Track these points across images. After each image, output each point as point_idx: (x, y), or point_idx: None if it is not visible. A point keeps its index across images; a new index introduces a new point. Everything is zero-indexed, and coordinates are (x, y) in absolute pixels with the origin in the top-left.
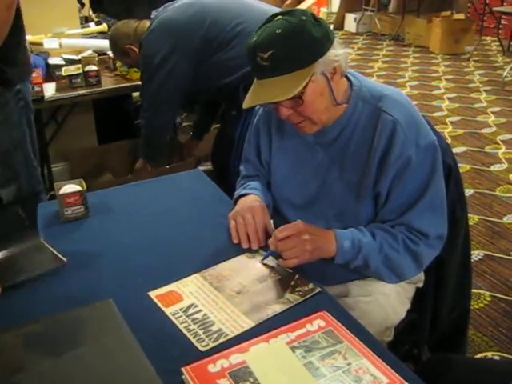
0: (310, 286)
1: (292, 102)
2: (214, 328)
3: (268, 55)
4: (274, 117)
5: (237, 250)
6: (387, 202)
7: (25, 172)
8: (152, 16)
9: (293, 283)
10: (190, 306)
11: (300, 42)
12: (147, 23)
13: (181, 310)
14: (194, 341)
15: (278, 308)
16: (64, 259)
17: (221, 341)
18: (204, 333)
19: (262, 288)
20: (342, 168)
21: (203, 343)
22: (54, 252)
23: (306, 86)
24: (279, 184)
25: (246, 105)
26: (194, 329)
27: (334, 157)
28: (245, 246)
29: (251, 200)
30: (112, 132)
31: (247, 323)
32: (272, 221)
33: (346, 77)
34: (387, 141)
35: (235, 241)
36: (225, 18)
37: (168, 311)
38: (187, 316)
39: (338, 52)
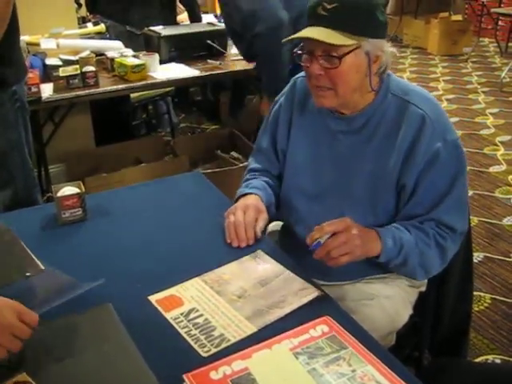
0: (313, 289)
1: (328, 61)
2: (216, 333)
3: (331, 7)
4: (296, 104)
5: (237, 254)
6: (414, 195)
7: (21, 174)
8: None
9: (295, 287)
10: (190, 311)
11: (365, 12)
12: None
13: (181, 314)
14: (195, 346)
15: (280, 312)
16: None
17: (223, 346)
18: (206, 338)
19: (264, 292)
20: (363, 159)
21: (205, 349)
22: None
23: (349, 53)
24: (294, 172)
25: (290, 38)
26: (195, 334)
27: (357, 147)
28: (234, 244)
29: (247, 198)
30: (109, 133)
31: (249, 328)
32: (277, 212)
33: None
34: (415, 133)
35: (228, 241)
36: None
37: (168, 316)
38: (188, 321)
39: (387, 48)
